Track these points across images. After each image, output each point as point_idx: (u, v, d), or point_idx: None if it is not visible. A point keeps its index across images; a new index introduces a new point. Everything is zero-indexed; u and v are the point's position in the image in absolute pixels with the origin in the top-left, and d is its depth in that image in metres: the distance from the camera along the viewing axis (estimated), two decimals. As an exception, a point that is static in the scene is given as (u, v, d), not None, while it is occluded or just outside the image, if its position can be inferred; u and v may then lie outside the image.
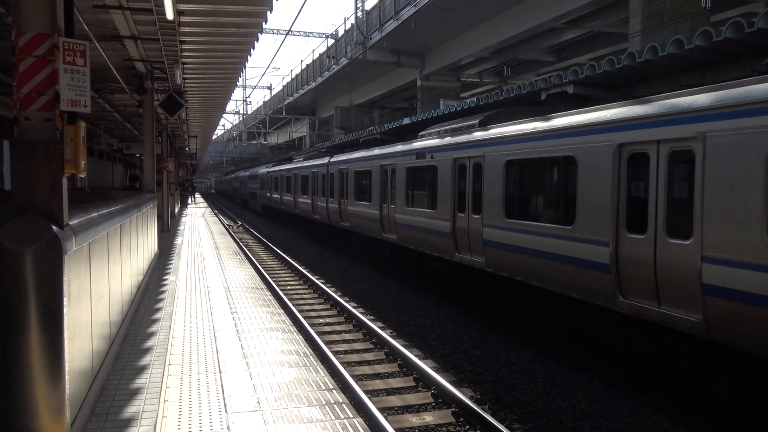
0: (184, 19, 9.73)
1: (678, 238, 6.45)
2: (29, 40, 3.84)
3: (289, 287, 14.43)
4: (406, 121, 18.22)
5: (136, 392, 5.21)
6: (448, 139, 12.15)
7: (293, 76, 48.32)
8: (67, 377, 3.67)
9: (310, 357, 6.36)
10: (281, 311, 8.63)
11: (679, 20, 15.14)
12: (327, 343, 9.31)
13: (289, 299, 12.56)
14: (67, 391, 3.70)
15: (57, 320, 3.60)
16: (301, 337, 7.21)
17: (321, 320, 11.13)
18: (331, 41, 39.27)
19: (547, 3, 20.53)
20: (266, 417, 4.71)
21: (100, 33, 10.08)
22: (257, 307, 8.77)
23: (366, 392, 7.02)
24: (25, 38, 3.84)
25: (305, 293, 13.82)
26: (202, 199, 64.39)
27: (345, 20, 34.83)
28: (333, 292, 13.40)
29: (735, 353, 6.24)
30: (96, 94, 14.71)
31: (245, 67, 14.10)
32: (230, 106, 67.17)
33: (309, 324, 10.31)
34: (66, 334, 3.66)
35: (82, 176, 4.76)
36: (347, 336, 10.06)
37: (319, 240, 24.81)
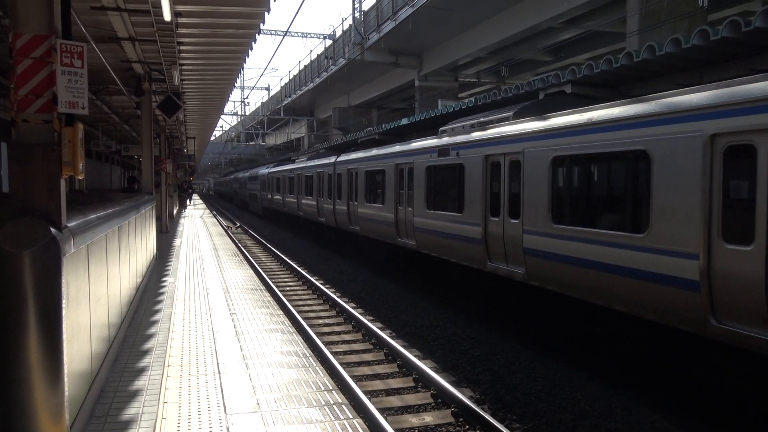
0: (181, 20, 9.73)
1: None
2: (26, 42, 3.84)
3: (288, 288, 14.43)
4: (405, 121, 18.23)
5: (135, 394, 5.20)
6: (477, 134, 10.88)
7: (291, 77, 48.33)
8: (66, 379, 3.67)
9: (310, 358, 6.36)
10: (280, 312, 8.63)
11: (676, 19, 15.15)
12: (326, 343, 9.31)
13: (288, 300, 12.55)
14: (66, 393, 3.69)
15: (56, 322, 3.60)
16: (300, 338, 7.21)
17: (320, 321, 11.12)
18: (328, 42, 39.29)
19: (545, 3, 20.53)
20: (266, 418, 4.71)
21: (97, 34, 10.08)
22: (256, 308, 8.76)
23: (365, 393, 7.02)
24: (23, 40, 3.84)
25: (304, 294, 13.81)
26: (200, 201, 64.34)
27: (343, 21, 34.89)
28: (332, 292, 13.39)
29: (735, 354, 6.24)
30: (94, 95, 14.70)
31: (243, 68, 14.10)
32: (228, 107, 67.16)
33: (308, 325, 10.30)
34: (65, 336, 3.66)
35: (80, 178, 4.76)
36: (346, 337, 10.05)
37: (318, 241, 24.77)
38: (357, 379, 7.75)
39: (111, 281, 6.02)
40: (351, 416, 4.79)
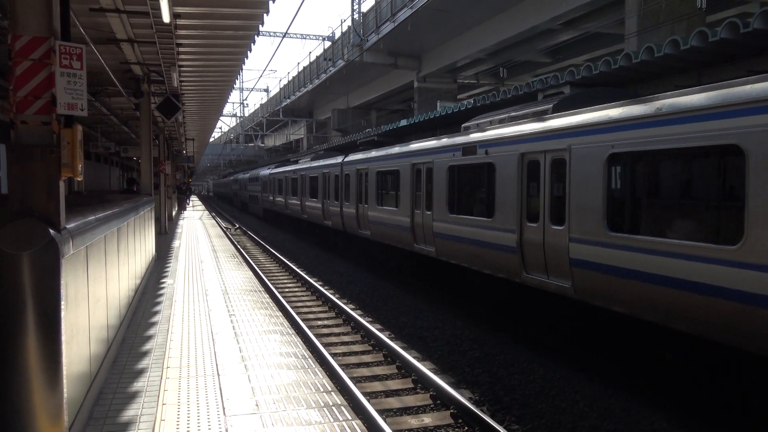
0: (180, 22, 9.73)
1: None
2: (26, 44, 3.84)
3: (287, 290, 14.42)
4: (404, 122, 18.24)
5: (134, 395, 5.20)
6: (510, 130, 9.67)
7: (290, 78, 48.37)
8: (64, 381, 3.67)
9: (309, 359, 6.36)
10: (279, 314, 8.63)
11: (675, 21, 15.17)
12: (325, 345, 9.30)
13: (287, 302, 12.55)
14: (65, 394, 3.69)
15: (54, 324, 3.60)
16: (299, 339, 7.21)
17: (319, 322, 11.12)
18: (327, 43, 39.33)
19: (543, 4, 20.57)
20: (264, 419, 4.70)
21: (96, 36, 10.07)
22: (255, 310, 8.76)
23: (365, 394, 7.02)
24: (22, 42, 3.84)
25: (303, 295, 13.80)
26: (199, 202, 64.29)
27: (342, 22, 34.95)
28: (331, 294, 13.39)
29: (735, 355, 6.24)
30: (93, 97, 14.69)
31: (242, 69, 14.11)
32: (227, 108, 67.09)
33: (307, 326, 10.30)
34: (63, 338, 3.66)
35: (79, 179, 4.76)
36: (345, 338, 10.05)
37: (319, 243, 24.76)
38: (356, 380, 7.75)
39: (110, 283, 6.02)
40: (350, 418, 4.79)
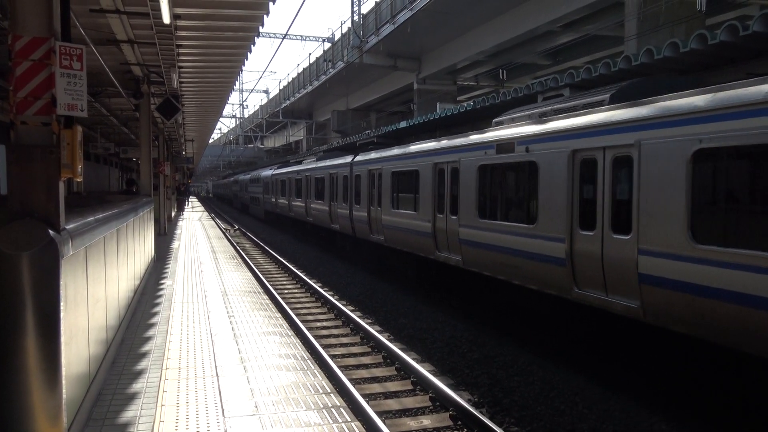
0: (180, 23, 9.74)
1: None
2: (26, 44, 3.85)
3: (286, 291, 14.42)
4: (403, 124, 18.26)
5: (133, 397, 5.19)
6: (558, 125, 8.50)
7: (290, 79, 48.39)
8: (63, 382, 3.66)
9: (308, 361, 6.35)
10: (278, 315, 8.63)
11: (674, 23, 15.20)
12: (324, 346, 9.30)
13: (287, 303, 12.54)
14: (64, 395, 3.68)
15: (53, 324, 3.60)
16: (298, 340, 7.20)
17: (318, 324, 11.12)
18: (327, 45, 39.35)
19: (543, 6, 20.59)
20: (264, 421, 4.70)
21: (96, 37, 10.08)
22: (254, 311, 8.75)
23: (364, 396, 7.01)
24: (22, 42, 3.84)
25: (302, 297, 13.80)
26: (199, 204, 64.24)
27: (341, 24, 34.99)
28: (330, 295, 13.38)
29: (734, 356, 6.25)
30: (92, 98, 14.70)
31: (242, 70, 14.12)
32: (227, 109, 67.22)
33: (306, 328, 10.29)
34: (63, 339, 3.65)
35: (78, 180, 4.75)
36: (345, 340, 10.05)
37: (317, 244, 24.75)
38: (355, 382, 7.75)
39: (109, 283, 6.02)
40: (349, 419, 4.79)
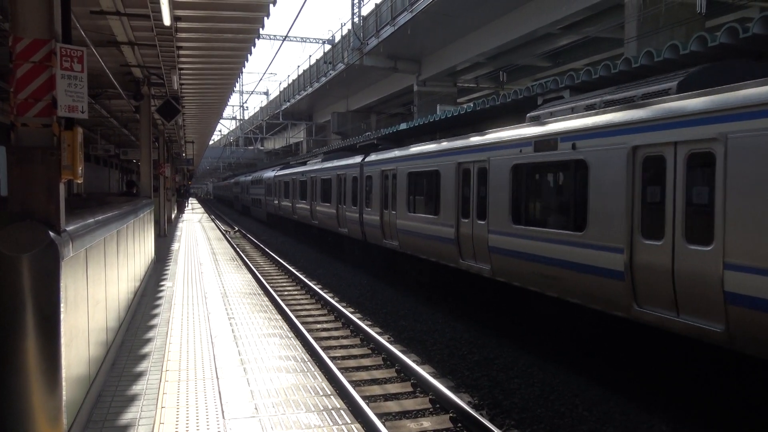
0: (181, 24, 9.75)
1: None
2: (26, 46, 3.85)
3: (286, 293, 14.41)
4: (404, 126, 18.26)
5: (133, 399, 5.19)
6: (611, 117, 7.49)
7: (290, 81, 48.41)
8: (63, 384, 3.66)
9: (308, 363, 6.35)
10: (278, 317, 8.62)
11: (674, 25, 15.22)
12: (324, 348, 9.30)
13: (287, 305, 12.54)
14: (64, 397, 3.68)
15: (54, 326, 3.59)
16: (298, 342, 7.20)
17: (318, 326, 11.11)
18: (327, 47, 39.37)
19: (543, 9, 20.62)
20: (264, 423, 4.70)
21: (97, 39, 10.09)
22: (254, 313, 8.75)
23: (364, 398, 7.01)
24: (23, 44, 3.84)
25: (302, 299, 13.80)
26: (199, 205, 64.21)
27: (342, 26, 35.01)
28: (330, 297, 13.38)
29: (734, 358, 6.24)
30: (93, 99, 14.71)
31: (242, 72, 14.13)
32: (227, 111, 67.21)
33: (306, 330, 10.29)
34: (63, 341, 3.65)
35: (79, 182, 4.75)
36: (345, 341, 10.04)
37: (317, 246, 24.73)
38: (355, 384, 7.74)
39: (109, 285, 6.02)
40: (349, 421, 4.78)
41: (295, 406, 5.06)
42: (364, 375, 8.27)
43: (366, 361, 8.91)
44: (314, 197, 22.70)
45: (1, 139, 14.49)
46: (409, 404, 7.14)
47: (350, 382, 7.57)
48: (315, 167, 22.96)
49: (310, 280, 15.63)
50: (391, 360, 8.79)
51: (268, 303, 9.62)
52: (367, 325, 10.85)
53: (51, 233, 3.63)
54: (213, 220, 37.83)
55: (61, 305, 3.64)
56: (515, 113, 12.90)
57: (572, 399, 7.14)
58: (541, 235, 8.65)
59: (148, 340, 7.10)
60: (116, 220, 6.43)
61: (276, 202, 31.99)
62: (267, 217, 37.13)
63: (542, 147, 8.74)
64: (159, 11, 8.10)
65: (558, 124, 8.56)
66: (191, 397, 5.21)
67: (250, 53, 11.94)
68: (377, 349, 9.41)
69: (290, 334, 7.55)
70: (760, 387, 6.16)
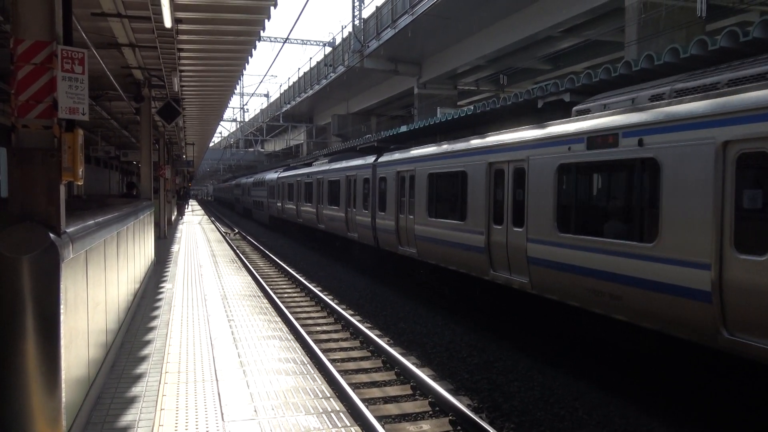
0: (182, 27, 9.76)
1: None
2: (27, 48, 3.86)
3: (286, 295, 14.41)
4: (404, 128, 18.28)
5: (132, 400, 5.18)
6: (693, 107, 6.40)
7: (290, 83, 48.48)
8: (63, 385, 3.66)
9: (307, 365, 6.35)
10: (278, 319, 8.62)
11: (674, 29, 15.24)
12: (324, 351, 9.29)
13: (286, 307, 12.54)
14: (64, 399, 3.68)
15: (53, 328, 3.59)
16: (298, 345, 7.19)
17: (318, 328, 11.11)
18: (328, 49, 39.45)
19: (544, 12, 20.65)
20: (263, 425, 4.69)
21: (98, 41, 10.11)
22: (254, 315, 8.75)
23: (363, 401, 7.00)
24: (24, 46, 3.85)
25: (302, 301, 13.79)
26: (199, 207, 64.21)
27: (342, 28, 35.04)
28: (330, 299, 13.38)
29: (733, 359, 6.24)
30: (93, 101, 14.73)
31: (243, 74, 14.14)
32: (228, 113, 67.19)
33: (306, 332, 10.28)
34: (62, 342, 3.65)
35: (79, 183, 4.76)
36: (344, 344, 10.03)
37: (316, 248, 24.72)
38: (355, 386, 7.74)
39: (109, 287, 6.02)
40: (348, 424, 4.78)
41: (295, 409, 5.06)
42: (363, 377, 8.26)
43: (365, 364, 8.91)
44: (320, 200, 21.66)
45: (1, 141, 14.50)
46: (409, 407, 7.13)
47: (350, 384, 7.56)
48: (321, 168, 21.94)
49: (309, 283, 15.62)
50: (390, 362, 8.78)
51: (268, 305, 9.61)
52: (366, 327, 10.85)
53: (51, 235, 3.63)
54: (213, 222, 37.83)
55: (61, 307, 3.64)
56: (517, 116, 12.91)
57: (572, 402, 7.13)
58: (597, 246, 7.52)
59: (148, 342, 7.10)
60: (116, 222, 6.43)
61: (279, 204, 31.08)
62: (269, 220, 36.13)
63: (598, 144, 7.62)
64: (160, 13, 8.11)
65: (617, 118, 7.41)
66: (191, 399, 5.21)
67: (251, 55, 11.95)
68: (377, 351, 9.40)
69: (290, 337, 7.55)
70: (760, 390, 6.15)
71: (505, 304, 10.50)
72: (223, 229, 33.70)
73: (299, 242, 27.51)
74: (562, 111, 10.56)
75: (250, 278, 12.61)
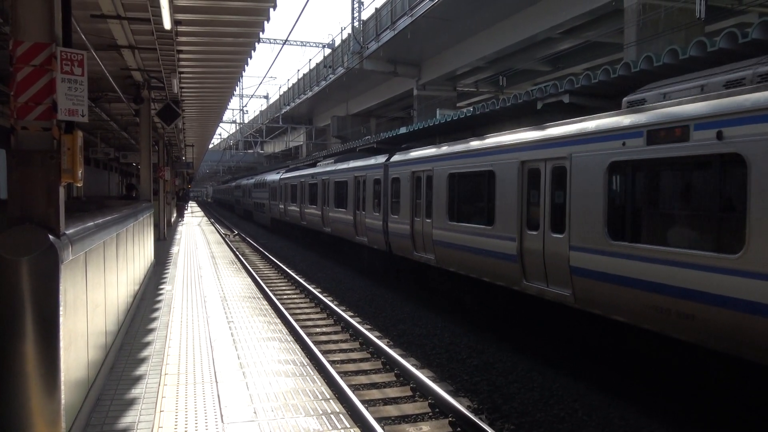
0: (181, 28, 9.77)
1: None
2: (27, 50, 3.86)
3: (285, 296, 14.40)
4: (403, 130, 18.28)
5: (131, 402, 5.18)
6: None
7: (290, 85, 48.48)
8: (62, 387, 3.66)
9: (307, 366, 6.34)
10: (278, 320, 8.61)
11: (673, 30, 15.25)
12: (324, 352, 9.29)
13: (286, 308, 12.53)
14: (63, 401, 3.68)
15: (53, 329, 3.59)
16: (297, 346, 7.19)
17: (318, 329, 11.10)
18: (327, 51, 39.46)
19: (543, 13, 20.67)
20: (263, 427, 4.69)
21: (97, 42, 10.11)
22: (254, 317, 8.74)
23: (363, 402, 7.00)
24: (23, 48, 3.85)
25: (302, 302, 13.78)
26: (198, 209, 64.19)
27: (342, 30, 35.09)
28: (330, 301, 13.37)
29: (733, 360, 6.23)
30: (93, 103, 14.73)
31: (242, 76, 14.15)
32: (227, 115, 67.29)
33: (306, 333, 10.28)
34: (62, 344, 3.65)
35: (78, 185, 4.76)
36: (344, 345, 10.03)
37: (315, 249, 24.71)
38: (354, 388, 7.74)
39: (108, 288, 6.01)
40: (348, 425, 4.78)
41: (294, 410, 5.05)
42: (363, 379, 8.26)
43: (365, 365, 8.90)
44: (326, 202, 20.69)
45: (1, 143, 14.50)
46: (409, 408, 7.13)
47: (349, 386, 7.56)
48: (327, 168, 20.95)
49: (309, 284, 15.61)
50: (390, 364, 8.78)
51: (268, 307, 9.61)
52: (366, 328, 10.85)
53: (50, 236, 3.63)
54: (213, 223, 37.82)
55: (61, 308, 3.64)
56: (516, 117, 12.91)
57: (572, 404, 7.12)
58: (662, 257, 6.53)
59: (147, 344, 7.09)
60: (116, 224, 6.43)
61: (281, 206, 30.09)
62: (271, 223, 35.15)
63: (661, 138, 6.63)
64: (159, 15, 8.12)
65: (687, 108, 6.46)
66: (190, 401, 5.20)
67: (250, 57, 11.96)
68: (376, 353, 9.40)
69: (289, 338, 7.55)
70: (759, 392, 6.15)
71: (542, 318, 9.44)
72: (222, 231, 33.69)
73: (298, 244, 27.51)
74: (562, 112, 10.58)
75: (249, 280, 12.60)
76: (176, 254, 16.49)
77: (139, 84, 14.00)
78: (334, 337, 10.55)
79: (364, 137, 27.66)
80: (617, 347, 8.02)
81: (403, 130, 18.28)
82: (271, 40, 48.35)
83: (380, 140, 19.84)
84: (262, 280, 16.30)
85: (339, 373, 8.12)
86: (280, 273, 18.46)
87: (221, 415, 4.90)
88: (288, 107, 48.01)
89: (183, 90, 15.19)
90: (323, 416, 4.94)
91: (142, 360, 6.45)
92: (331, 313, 12.27)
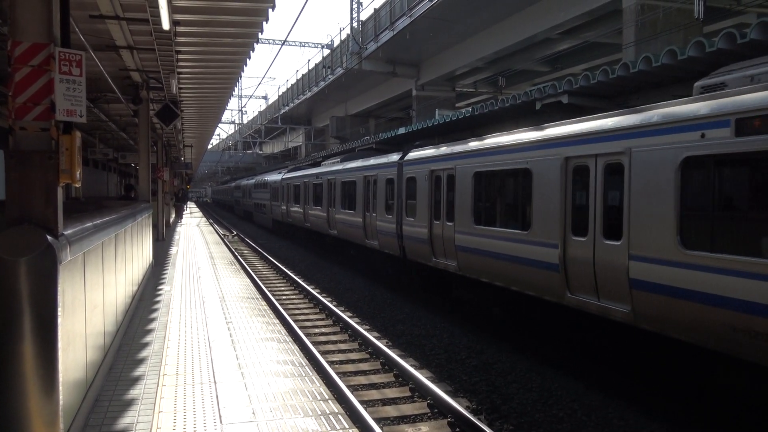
0: (180, 29, 9.76)
1: None
2: (25, 50, 3.85)
3: (284, 297, 14.39)
4: (402, 130, 18.28)
5: (130, 403, 5.17)
6: None
7: (289, 85, 48.48)
8: (60, 388, 3.65)
9: (306, 367, 6.34)
10: (276, 321, 8.61)
11: (672, 31, 15.26)
12: (322, 353, 9.28)
13: (285, 309, 12.52)
14: (61, 401, 3.67)
15: (51, 330, 3.59)
16: (296, 347, 7.19)
17: (316, 330, 11.09)
18: (326, 51, 39.46)
19: (542, 14, 20.68)
20: (261, 428, 4.68)
21: (96, 43, 10.10)
22: (252, 317, 8.74)
23: (362, 403, 6.99)
24: (21, 48, 3.85)
25: (300, 303, 13.78)
26: (197, 209, 64.15)
27: (341, 30, 35.05)
28: (328, 301, 13.37)
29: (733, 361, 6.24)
30: (91, 103, 14.71)
31: (241, 76, 14.14)
32: (226, 115, 67.23)
33: (304, 334, 10.27)
34: (60, 345, 3.65)
35: (77, 186, 4.75)
36: (343, 346, 10.02)
37: (315, 250, 24.69)
38: (353, 388, 7.73)
39: (107, 289, 6.01)
40: (347, 426, 4.77)
41: (293, 411, 5.05)
42: (362, 379, 8.25)
43: (364, 366, 8.90)
44: (332, 203, 19.64)
45: (-1, 143, 14.48)
46: (408, 409, 7.13)
47: (348, 386, 7.55)
48: (333, 168, 19.93)
49: (307, 284, 15.61)
50: (389, 364, 8.77)
51: (266, 307, 9.60)
52: (365, 329, 10.84)
53: (49, 237, 3.62)
54: (211, 224, 37.79)
55: (59, 309, 3.63)
56: (515, 118, 12.92)
57: (571, 404, 7.13)
58: (754, 269, 5.50)
59: (146, 345, 7.09)
60: (114, 224, 6.42)
61: (284, 207, 28.91)
62: (273, 224, 34.01)
63: (755, 128, 5.53)
64: (158, 16, 8.11)
65: None
66: (189, 402, 5.20)
67: (249, 57, 11.95)
68: (375, 353, 9.39)
69: (288, 339, 7.54)
70: (759, 392, 6.15)
71: (590, 337, 8.42)
72: (221, 232, 33.67)
73: (297, 244, 27.50)
74: (560, 113, 10.57)
75: (248, 280, 12.59)
76: (175, 255, 16.48)
77: (137, 84, 13.99)
78: (333, 338, 10.55)
79: (363, 137, 27.66)
80: (615, 347, 8.02)
81: (402, 130, 18.29)
82: (270, 41, 48.33)
83: (379, 140, 19.84)
84: (260, 280, 16.29)
85: (338, 373, 8.11)
86: (278, 273, 18.45)
87: (220, 416, 4.89)
88: (287, 108, 48.01)
89: (182, 90, 15.18)
90: (322, 417, 4.93)
91: (141, 361, 6.45)
92: (330, 314, 12.26)
